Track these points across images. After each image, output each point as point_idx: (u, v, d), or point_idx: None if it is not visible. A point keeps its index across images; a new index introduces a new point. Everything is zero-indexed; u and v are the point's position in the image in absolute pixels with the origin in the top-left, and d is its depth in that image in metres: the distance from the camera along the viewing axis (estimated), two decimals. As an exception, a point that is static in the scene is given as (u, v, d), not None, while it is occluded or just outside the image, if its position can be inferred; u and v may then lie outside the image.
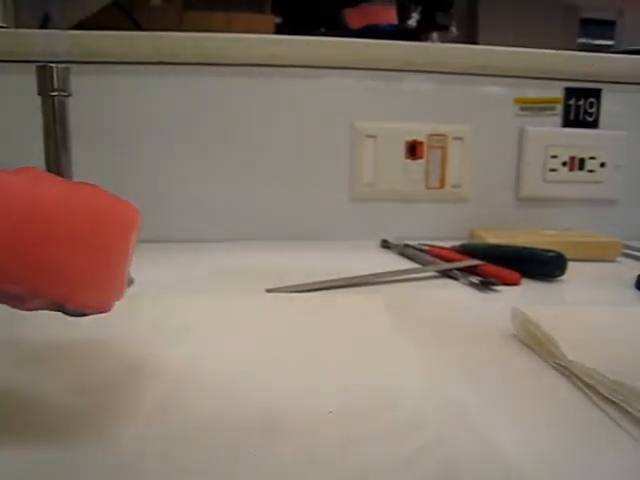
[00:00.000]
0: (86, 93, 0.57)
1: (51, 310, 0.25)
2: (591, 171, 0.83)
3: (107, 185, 0.29)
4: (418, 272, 0.60)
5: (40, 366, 0.33)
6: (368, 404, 0.29)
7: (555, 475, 0.24)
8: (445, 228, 0.80)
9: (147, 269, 0.58)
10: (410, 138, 0.79)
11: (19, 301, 0.24)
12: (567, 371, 0.34)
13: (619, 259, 0.70)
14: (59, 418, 0.27)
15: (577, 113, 0.82)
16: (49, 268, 0.23)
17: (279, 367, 0.34)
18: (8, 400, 0.29)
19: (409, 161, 0.79)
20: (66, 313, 0.26)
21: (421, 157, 0.79)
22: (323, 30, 1.49)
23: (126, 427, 0.26)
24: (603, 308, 0.45)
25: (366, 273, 0.57)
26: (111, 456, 0.24)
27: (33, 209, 0.23)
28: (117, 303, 0.27)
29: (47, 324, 0.36)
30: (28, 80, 0.49)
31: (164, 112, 0.74)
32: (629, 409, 0.29)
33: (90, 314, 0.26)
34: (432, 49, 0.81)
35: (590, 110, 0.82)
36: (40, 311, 0.26)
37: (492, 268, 0.58)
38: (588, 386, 0.32)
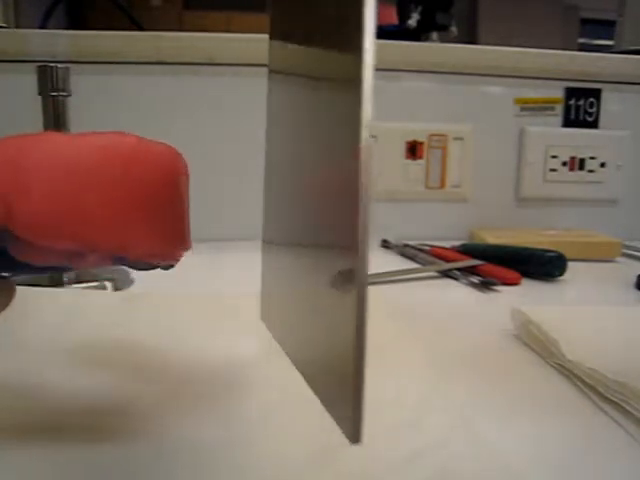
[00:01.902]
0: (86, 93, 0.57)
1: (114, 265, 0.25)
2: (591, 171, 0.82)
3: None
4: (418, 272, 0.60)
5: (43, 366, 0.33)
6: (368, 404, 0.29)
7: (555, 475, 0.24)
8: (445, 228, 0.80)
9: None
10: (410, 138, 0.79)
11: (76, 257, 0.24)
12: (567, 371, 0.34)
13: (619, 259, 0.70)
14: (62, 419, 0.27)
15: (577, 113, 0.82)
16: (98, 218, 0.23)
17: (278, 366, 0.34)
18: (9, 401, 0.29)
19: (409, 161, 0.79)
20: (132, 267, 0.26)
21: (421, 157, 0.79)
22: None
23: (126, 427, 0.26)
24: (603, 308, 0.45)
25: (366, 273, 0.56)
26: (110, 456, 0.24)
27: (74, 162, 0.24)
28: (115, 304, 0.27)
29: (48, 324, 0.36)
30: (28, 80, 0.49)
31: (164, 112, 0.74)
32: (629, 409, 0.29)
33: (157, 265, 0.26)
34: (432, 49, 0.81)
35: (590, 110, 0.82)
36: (38, 312, 0.26)
37: (492, 268, 0.58)
38: (588, 386, 0.32)
